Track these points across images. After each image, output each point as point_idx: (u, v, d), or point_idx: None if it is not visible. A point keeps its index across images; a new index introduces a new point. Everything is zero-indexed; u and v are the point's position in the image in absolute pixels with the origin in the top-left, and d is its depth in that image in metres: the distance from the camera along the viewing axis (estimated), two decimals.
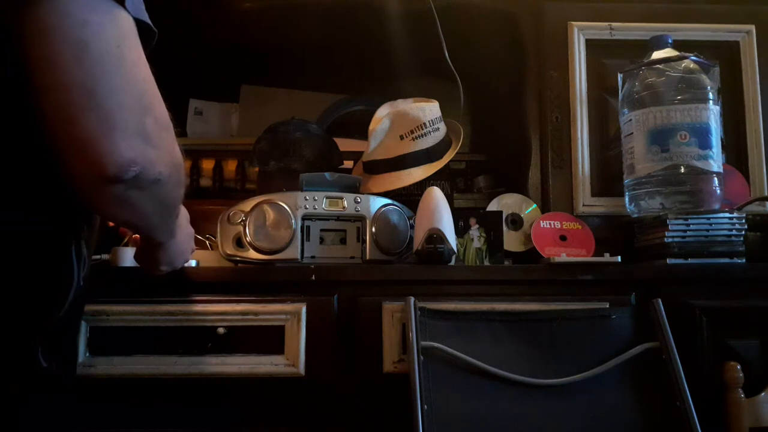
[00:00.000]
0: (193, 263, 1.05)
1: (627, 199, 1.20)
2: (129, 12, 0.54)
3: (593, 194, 1.27)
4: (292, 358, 0.96)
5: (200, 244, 1.13)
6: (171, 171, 0.59)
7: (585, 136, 1.28)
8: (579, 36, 1.31)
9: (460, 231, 1.17)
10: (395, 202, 1.12)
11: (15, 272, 0.60)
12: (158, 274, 0.87)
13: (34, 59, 0.51)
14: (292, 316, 0.96)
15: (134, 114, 0.53)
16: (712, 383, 0.98)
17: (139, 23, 0.57)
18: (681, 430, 0.91)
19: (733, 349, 1.01)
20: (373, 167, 1.27)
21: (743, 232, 1.09)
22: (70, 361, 0.75)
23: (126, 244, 1.13)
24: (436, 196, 1.06)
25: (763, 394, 0.99)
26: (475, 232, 1.19)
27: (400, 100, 1.29)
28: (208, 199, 1.41)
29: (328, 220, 1.07)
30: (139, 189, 0.56)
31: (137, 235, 0.90)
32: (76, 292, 0.67)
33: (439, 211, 1.04)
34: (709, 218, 1.09)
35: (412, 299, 0.95)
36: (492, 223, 1.19)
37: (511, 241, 1.23)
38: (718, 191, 1.12)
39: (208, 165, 1.49)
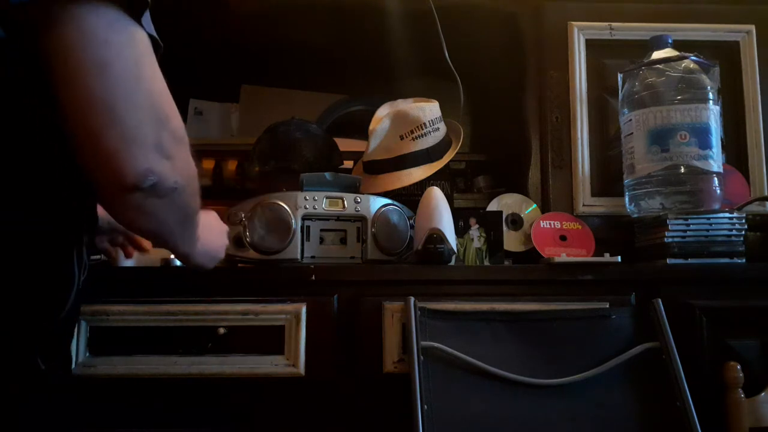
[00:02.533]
0: None
1: (627, 199, 1.20)
2: (144, 29, 0.56)
3: (593, 194, 1.27)
4: (292, 358, 0.96)
5: None
6: (187, 180, 0.63)
7: (585, 136, 1.28)
8: (579, 36, 1.31)
9: (460, 231, 1.17)
10: (395, 202, 1.12)
11: (15, 272, 0.60)
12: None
13: (59, 77, 0.53)
14: (292, 316, 0.96)
15: (152, 128, 0.56)
16: (712, 383, 0.98)
17: (150, 38, 0.59)
18: (681, 430, 0.91)
19: (733, 349, 1.01)
20: (373, 167, 1.27)
21: (743, 232, 1.09)
22: (66, 363, 0.76)
23: None
24: (436, 196, 1.06)
25: (763, 394, 0.99)
26: (475, 232, 1.19)
27: (400, 100, 1.29)
28: (208, 199, 1.40)
29: (328, 220, 1.07)
30: (158, 197, 0.60)
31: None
32: (75, 295, 0.68)
33: (439, 211, 1.04)
34: (709, 218, 1.09)
35: (412, 299, 0.95)
36: (492, 223, 1.20)
37: (511, 241, 1.23)
38: (718, 191, 1.12)
39: (208, 165, 1.49)
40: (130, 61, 0.54)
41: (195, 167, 0.65)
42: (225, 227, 0.93)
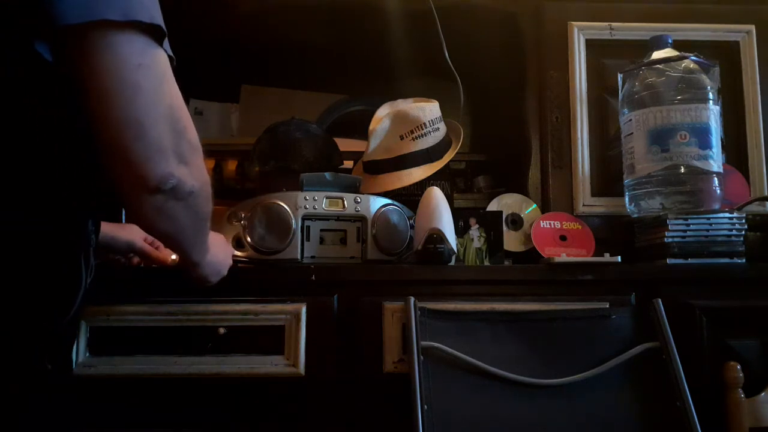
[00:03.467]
0: None
1: (627, 199, 1.20)
2: (165, 51, 0.62)
3: (593, 194, 1.27)
4: (292, 358, 0.96)
5: None
6: (202, 185, 0.68)
7: (585, 136, 1.28)
8: (579, 36, 1.31)
9: (460, 231, 1.17)
10: (395, 202, 1.12)
11: (15, 271, 0.61)
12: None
13: (93, 95, 0.57)
14: (292, 316, 0.96)
15: (172, 139, 0.61)
16: (712, 383, 0.98)
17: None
18: (681, 430, 0.91)
19: (733, 349, 1.01)
20: (373, 167, 1.27)
21: (743, 232, 1.09)
22: (66, 365, 0.77)
23: None
24: (436, 196, 1.06)
25: (763, 394, 0.99)
26: (475, 232, 1.19)
27: (400, 100, 1.29)
28: None
29: (328, 220, 1.07)
30: (176, 200, 0.65)
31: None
32: (82, 297, 0.68)
33: (439, 211, 1.04)
34: (709, 218, 1.09)
35: (413, 299, 0.95)
36: (492, 223, 1.19)
37: (511, 241, 1.23)
38: (718, 191, 1.12)
39: (208, 165, 1.48)
40: (156, 81, 0.59)
41: (207, 174, 0.70)
42: (231, 249, 0.98)
